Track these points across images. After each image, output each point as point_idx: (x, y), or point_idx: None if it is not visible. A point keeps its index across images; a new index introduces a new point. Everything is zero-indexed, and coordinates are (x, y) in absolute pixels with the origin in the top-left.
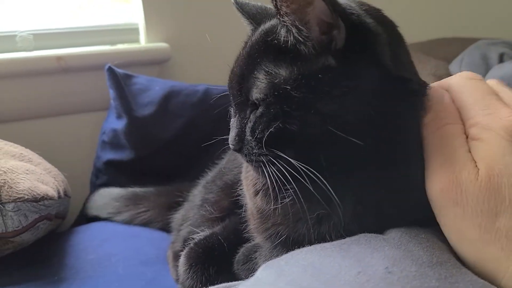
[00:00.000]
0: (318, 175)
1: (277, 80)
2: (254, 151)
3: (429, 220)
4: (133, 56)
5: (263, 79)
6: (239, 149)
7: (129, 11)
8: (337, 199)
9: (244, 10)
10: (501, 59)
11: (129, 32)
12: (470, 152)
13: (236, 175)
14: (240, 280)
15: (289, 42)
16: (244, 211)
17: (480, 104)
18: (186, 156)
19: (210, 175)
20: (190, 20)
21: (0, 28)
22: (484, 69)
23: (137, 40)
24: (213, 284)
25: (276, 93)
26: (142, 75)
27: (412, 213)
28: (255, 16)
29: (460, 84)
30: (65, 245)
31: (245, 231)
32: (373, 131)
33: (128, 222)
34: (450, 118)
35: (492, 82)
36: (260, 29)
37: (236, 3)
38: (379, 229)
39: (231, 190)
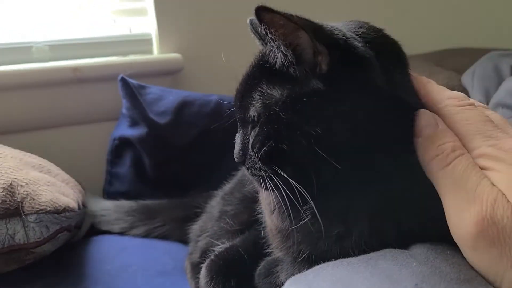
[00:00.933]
0: (306, 193)
1: (268, 102)
2: (256, 165)
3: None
4: (146, 67)
5: (258, 100)
6: (242, 162)
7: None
8: (320, 219)
9: (256, 31)
10: None
11: (142, 43)
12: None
13: (254, 187)
14: None
15: (277, 65)
16: (264, 228)
17: (481, 134)
18: (199, 165)
19: (228, 186)
20: (202, 31)
21: (17, 39)
22: (496, 81)
23: (150, 51)
24: None
25: (267, 113)
26: (155, 85)
27: (434, 228)
28: (265, 37)
29: (453, 112)
30: (83, 255)
31: (265, 245)
32: (366, 152)
33: (144, 236)
34: (457, 149)
35: (480, 106)
36: (259, 52)
37: (251, 23)
38: (402, 245)
39: (250, 202)
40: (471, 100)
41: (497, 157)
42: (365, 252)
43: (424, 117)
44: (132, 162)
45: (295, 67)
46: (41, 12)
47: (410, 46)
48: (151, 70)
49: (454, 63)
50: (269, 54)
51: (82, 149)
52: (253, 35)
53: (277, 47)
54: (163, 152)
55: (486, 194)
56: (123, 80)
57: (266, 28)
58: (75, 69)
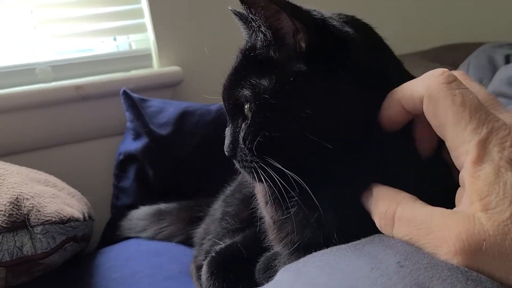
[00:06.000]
0: (301, 180)
1: (257, 90)
2: (247, 158)
3: None
4: (147, 81)
5: (247, 90)
6: (233, 156)
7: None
8: (318, 204)
9: (239, 14)
10: (507, 61)
11: (143, 58)
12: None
13: (254, 187)
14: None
15: (258, 47)
16: (262, 223)
17: (470, 125)
18: (201, 173)
19: (229, 189)
20: (200, 43)
21: (20, 61)
22: (491, 71)
23: (150, 65)
24: None
25: (257, 102)
26: (157, 98)
27: None
28: (247, 18)
29: (436, 93)
30: (91, 266)
31: (264, 240)
32: (349, 135)
33: (152, 237)
34: (389, 207)
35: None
36: (244, 47)
37: (234, 11)
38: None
39: (250, 202)
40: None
41: (487, 159)
42: (348, 237)
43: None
44: (136, 176)
45: (274, 47)
46: (43, 34)
47: (406, 45)
48: (152, 83)
49: (450, 58)
50: (251, 36)
51: (90, 165)
52: (237, 21)
53: (258, 27)
54: (165, 163)
55: (447, 230)
56: (125, 93)
57: (247, 8)
58: (78, 87)
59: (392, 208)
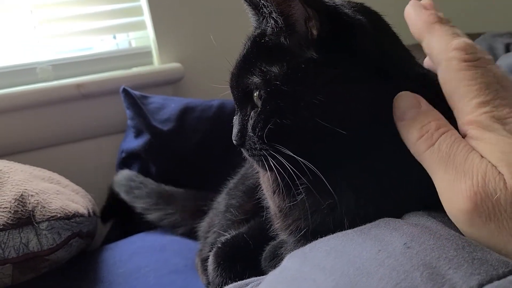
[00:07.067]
0: (313, 167)
1: (268, 77)
2: (256, 146)
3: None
4: (148, 78)
5: (257, 77)
6: (241, 144)
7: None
8: (332, 191)
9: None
10: (507, 49)
11: (143, 56)
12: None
13: (257, 179)
14: None
15: (268, 33)
16: (267, 213)
17: (479, 99)
18: (204, 168)
19: (232, 182)
20: (200, 39)
21: (21, 61)
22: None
23: (150, 63)
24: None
25: (268, 89)
26: (158, 95)
27: (419, 200)
28: (258, 4)
29: (456, 67)
30: (96, 261)
31: (270, 229)
32: (361, 122)
33: (156, 221)
34: (441, 127)
35: (488, 60)
36: (253, 34)
37: None
38: (391, 215)
39: (253, 193)
40: (479, 54)
41: (489, 127)
42: (356, 221)
43: (405, 99)
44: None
45: (285, 34)
46: (42, 33)
47: (408, 36)
48: (153, 80)
49: None
50: (261, 22)
51: (93, 163)
52: (246, 6)
53: (269, 13)
54: (167, 159)
55: (476, 168)
56: (125, 91)
57: None
58: (79, 85)
59: (448, 127)
